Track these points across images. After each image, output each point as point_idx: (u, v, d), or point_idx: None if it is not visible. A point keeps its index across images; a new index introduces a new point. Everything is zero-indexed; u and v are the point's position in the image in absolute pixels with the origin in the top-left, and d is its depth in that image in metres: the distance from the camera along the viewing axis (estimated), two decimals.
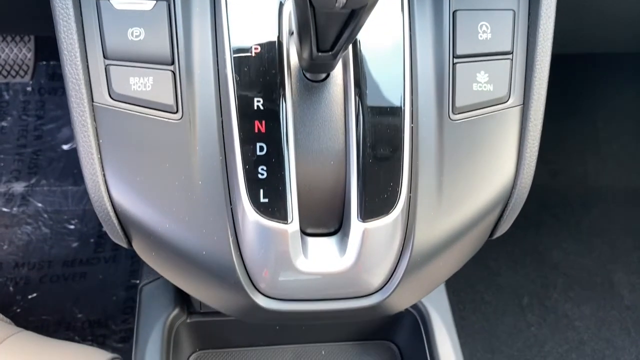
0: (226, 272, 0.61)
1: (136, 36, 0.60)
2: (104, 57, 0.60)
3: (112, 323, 1.49)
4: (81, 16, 0.60)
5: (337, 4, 0.40)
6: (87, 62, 0.60)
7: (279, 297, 0.63)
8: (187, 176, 0.60)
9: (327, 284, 0.63)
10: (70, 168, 1.78)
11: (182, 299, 0.89)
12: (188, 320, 0.89)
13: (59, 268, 1.61)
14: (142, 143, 0.61)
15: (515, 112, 0.67)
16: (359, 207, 0.60)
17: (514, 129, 0.67)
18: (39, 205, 1.70)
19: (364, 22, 0.46)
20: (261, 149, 0.59)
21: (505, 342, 1.58)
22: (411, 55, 0.62)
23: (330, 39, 0.49)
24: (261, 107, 0.60)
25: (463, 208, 0.65)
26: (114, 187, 0.62)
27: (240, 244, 0.61)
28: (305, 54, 0.52)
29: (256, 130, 0.59)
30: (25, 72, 1.61)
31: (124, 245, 0.66)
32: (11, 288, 1.56)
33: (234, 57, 0.60)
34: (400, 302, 0.68)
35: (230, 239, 0.60)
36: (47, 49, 1.70)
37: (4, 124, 1.83)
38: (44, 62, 1.84)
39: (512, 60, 0.65)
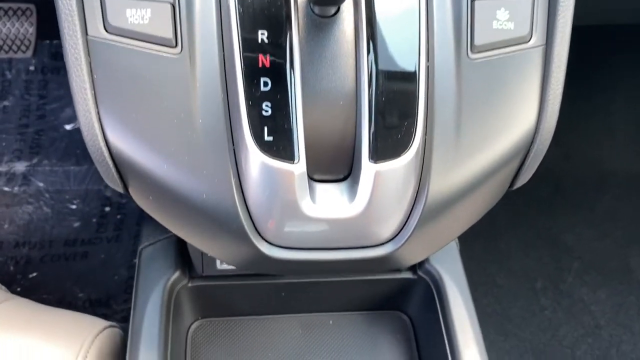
0: (228, 217, 0.57)
1: None
2: None
3: (113, 302, 1.46)
4: None
5: None
6: None
7: (284, 245, 0.59)
8: (186, 114, 0.56)
9: (335, 232, 0.59)
10: (72, 148, 1.75)
11: (184, 262, 0.85)
12: (189, 285, 0.84)
13: (60, 248, 1.57)
14: (138, 79, 0.57)
15: (538, 53, 0.62)
16: (370, 148, 0.56)
17: (536, 71, 0.62)
18: (41, 185, 1.67)
19: None
20: (265, 84, 0.55)
21: (519, 325, 1.53)
22: None
23: None
24: (265, 41, 0.55)
25: (482, 153, 0.60)
26: (108, 125, 0.58)
27: (243, 187, 0.57)
28: None
29: (260, 65, 0.55)
30: (27, 47, 1.58)
31: (120, 189, 0.62)
32: (12, 267, 1.53)
33: None
34: (412, 255, 0.64)
35: (233, 181, 0.56)
36: (49, 26, 1.67)
37: (6, 103, 1.80)
38: (47, 41, 1.80)
39: None
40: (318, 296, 0.89)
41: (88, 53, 0.57)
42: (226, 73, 0.56)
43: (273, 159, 0.55)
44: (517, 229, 1.74)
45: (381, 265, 0.63)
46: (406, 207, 0.59)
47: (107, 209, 1.65)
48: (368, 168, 0.56)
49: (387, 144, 0.56)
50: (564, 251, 1.71)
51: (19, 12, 1.52)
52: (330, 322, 0.91)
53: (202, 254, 0.82)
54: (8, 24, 1.52)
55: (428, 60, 0.58)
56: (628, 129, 1.94)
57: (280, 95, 0.55)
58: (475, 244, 1.67)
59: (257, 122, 0.55)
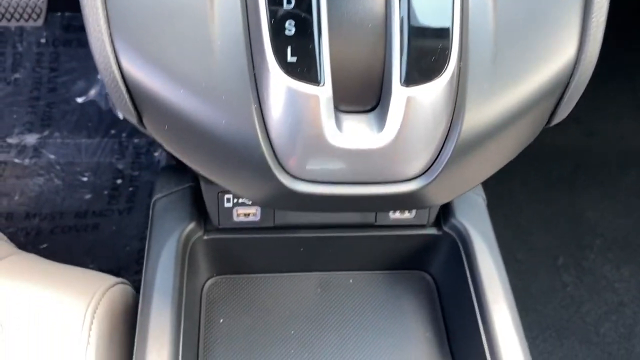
0: (248, 146, 0.53)
1: None
2: None
3: (125, 273, 1.43)
4: None
5: None
6: None
7: (307, 178, 0.55)
8: (203, 35, 0.52)
9: (361, 165, 0.55)
10: (84, 121, 1.72)
11: (199, 214, 0.81)
12: (205, 237, 0.81)
13: (71, 219, 1.55)
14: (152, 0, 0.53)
15: None
16: (401, 71, 0.52)
17: None
18: (52, 157, 1.65)
19: None
20: (288, 1, 0.51)
21: (540, 301, 1.49)
22: None
23: None
24: None
25: (520, 83, 0.56)
26: (121, 49, 0.54)
27: (264, 114, 0.53)
28: None
29: None
30: (38, 16, 1.55)
31: (134, 119, 0.58)
32: (22, 238, 1.51)
33: None
34: (442, 193, 0.60)
35: (253, 107, 0.52)
36: None
37: (17, 75, 1.77)
38: (59, 13, 1.78)
39: None
40: (337, 254, 0.86)
41: None
42: None
43: (297, 81, 0.51)
44: (537, 205, 1.70)
45: (408, 203, 0.59)
46: (438, 138, 0.55)
47: (119, 181, 1.62)
48: (399, 93, 0.52)
49: (420, 67, 0.52)
50: (586, 228, 1.66)
51: None
52: (350, 281, 0.88)
53: (219, 204, 0.78)
54: None
55: None
56: None
57: (304, 13, 0.51)
58: (495, 220, 1.63)
59: (279, 42, 0.51)
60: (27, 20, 1.57)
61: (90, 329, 0.71)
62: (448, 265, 0.85)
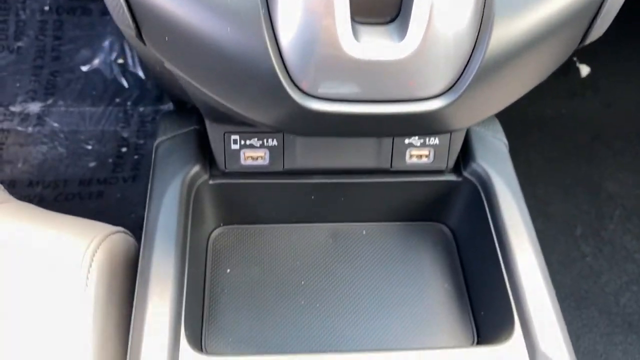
0: (256, 57, 0.49)
1: None
2: None
3: None
4: None
5: None
6: None
7: (321, 95, 0.51)
8: None
9: (380, 79, 0.50)
10: (88, 90, 1.68)
11: (204, 157, 0.77)
12: (210, 182, 0.76)
13: (75, 187, 1.51)
14: None
15: None
16: None
17: None
18: (55, 125, 1.61)
19: None
20: None
21: (559, 271, 1.44)
22: None
23: None
24: None
25: None
26: None
27: (273, 20, 0.48)
28: None
29: None
30: None
31: (132, 32, 0.54)
32: None
33: None
34: (465, 115, 0.55)
35: (261, 12, 0.47)
36: None
37: (20, 44, 1.73)
38: None
39: None
40: (350, 203, 0.81)
41: None
42: None
43: None
44: (555, 176, 1.65)
45: (427, 125, 0.54)
46: (464, 53, 0.50)
47: (124, 149, 1.58)
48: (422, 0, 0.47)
49: None
50: (605, 198, 1.61)
51: None
52: (364, 232, 0.83)
53: (225, 146, 0.74)
54: None
55: None
56: None
57: None
58: None
59: None
60: None
61: (88, 271, 0.66)
62: (467, 215, 0.80)
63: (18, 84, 1.67)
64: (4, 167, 1.54)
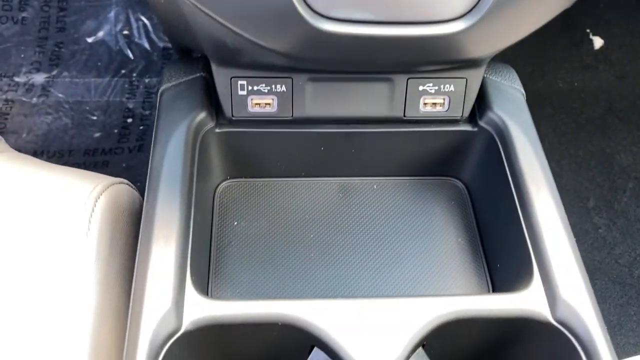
0: None
1: None
2: None
3: None
4: None
5: None
6: None
7: (335, 16, 0.48)
8: None
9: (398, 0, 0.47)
10: (94, 61, 1.66)
11: (211, 105, 0.74)
12: (217, 130, 0.74)
13: (80, 157, 1.49)
14: None
15: None
16: None
17: None
18: (60, 96, 1.59)
19: None
20: None
21: None
22: None
23: None
24: None
25: None
26: None
27: None
28: None
29: None
30: None
31: None
32: None
33: None
34: (483, 41, 0.53)
35: None
36: None
37: (24, 15, 1.71)
38: None
39: None
40: (360, 156, 0.78)
41: None
42: None
43: None
44: (568, 148, 1.62)
45: (444, 50, 0.51)
46: None
47: (129, 120, 1.56)
48: None
49: None
50: (618, 171, 1.58)
51: None
52: (374, 186, 0.81)
53: (232, 91, 0.71)
54: None
55: None
56: None
57: None
58: None
59: None
60: None
61: (91, 215, 0.64)
62: (483, 168, 0.77)
63: (22, 55, 1.66)
64: (9, 137, 1.52)
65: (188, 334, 0.57)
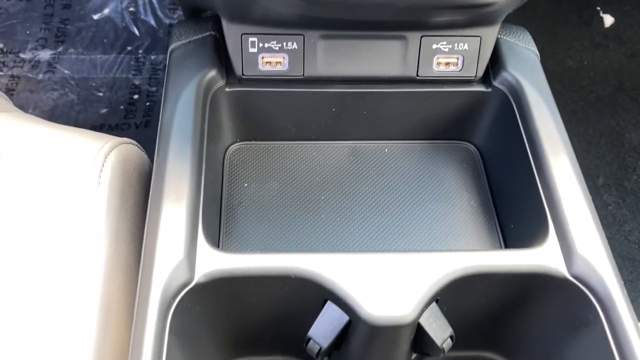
0: None
1: None
2: None
3: None
4: None
5: None
6: None
7: None
8: None
9: None
10: (99, 37, 1.65)
11: (221, 63, 0.73)
12: (227, 89, 0.73)
13: None
14: None
15: None
16: None
17: None
18: (66, 72, 1.58)
19: None
20: None
21: None
22: None
23: None
24: None
25: None
26: None
27: None
28: None
29: None
30: None
31: None
32: None
33: None
34: None
35: None
36: None
37: None
38: None
39: None
40: (372, 118, 0.77)
41: None
42: None
43: None
44: (578, 126, 1.60)
45: None
46: None
47: (136, 96, 1.55)
48: None
49: None
50: (628, 150, 1.56)
51: None
52: (386, 150, 0.80)
53: (242, 49, 0.70)
54: None
55: None
56: None
57: None
58: None
59: None
60: None
61: (101, 170, 0.64)
62: (496, 130, 0.76)
63: (28, 32, 1.65)
64: None
65: (200, 286, 0.56)
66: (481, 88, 0.75)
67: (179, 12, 1.68)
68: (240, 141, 0.79)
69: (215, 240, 0.68)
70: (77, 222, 0.61)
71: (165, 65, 1.64)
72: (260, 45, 0.70)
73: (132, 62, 1.61)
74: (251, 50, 0.70)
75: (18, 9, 1.68)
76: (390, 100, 0.75)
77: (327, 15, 0.65)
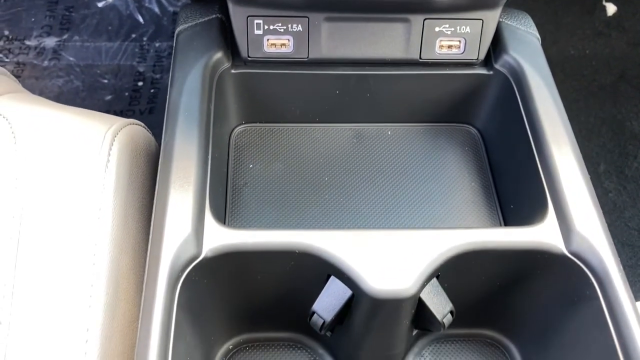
0: None
1: None
2: None
3: None
4: None
5: None
6: None
7: None
8: None
9: None
10: (104, 25, 1.66)
11: (227, 45, 0.74)
12: (233, 71, 0.74)
13: None
14: None
15: None
16: None
17: None
18: (71, 59, 1.59)
19: None
20: None
21: None
22: None
23: None
24: None
25: None
26: None
27: None
28: None
29: None
30: None
31: None
32: None
33: None
34: None
35: None
36: None
37: None
38: None
39: None
40: (375, 100, 0.79)
41: None
42: None
43: None
44: (579, 115, 1.61)
45: None
46: None
47: (140, 83, 1.56)
48: None
49: None
50: (629, 138, 1.57)
51: None
52: (389, 132, 0.81)
53: (248, 31, 0.71)
54: None
55: None
56: None
57: None
58: None
59: None
60: None
61: (110, 150, 0.65)
62: (497, 113, 0.78)
63: (33, 19, 1.66)
64: None
65: (208, 261, 0.57)
66: (483, 71, 0.76)
67: (183, 0, 1.69)
68: (245, 123, 0.80)
69: (222, 219, 0.69)
70: (87, 199, 0.62)
71: (169, 53, 1.65)
72: (266, 27, 0.71)
73: (136, 50, 1.62)
74: (256, 32, 0.71)
75: None
76: (393, 82, 0.77)
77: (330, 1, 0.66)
